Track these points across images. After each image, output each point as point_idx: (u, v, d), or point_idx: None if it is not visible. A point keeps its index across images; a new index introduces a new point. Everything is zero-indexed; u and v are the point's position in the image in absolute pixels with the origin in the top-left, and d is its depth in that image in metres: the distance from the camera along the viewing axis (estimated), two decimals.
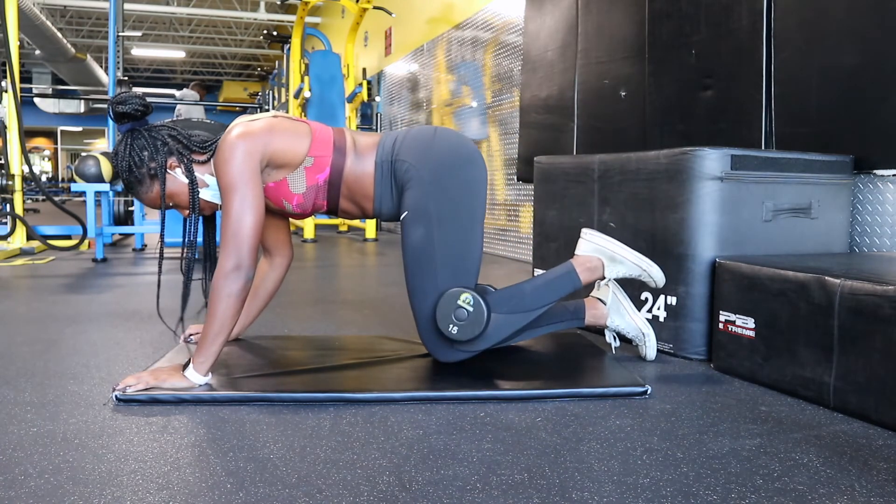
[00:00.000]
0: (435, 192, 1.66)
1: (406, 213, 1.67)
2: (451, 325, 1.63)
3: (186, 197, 1.66)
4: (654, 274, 1.79)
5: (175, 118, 2.45)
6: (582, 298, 1.93)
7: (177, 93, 8.78)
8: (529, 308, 1.73)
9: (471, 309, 1.62)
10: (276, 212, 1.80)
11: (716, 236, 1.88)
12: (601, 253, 1.80)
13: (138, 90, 19.09)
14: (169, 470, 1.14)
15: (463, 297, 1.62)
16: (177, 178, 1.64)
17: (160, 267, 1.69)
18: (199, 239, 1.77)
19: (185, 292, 1.71)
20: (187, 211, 1.68)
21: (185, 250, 1.70)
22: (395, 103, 7.56)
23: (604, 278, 1.82)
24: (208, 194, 1.67)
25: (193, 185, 1.63)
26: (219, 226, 1.74)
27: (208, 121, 1.72)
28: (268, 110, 8.78)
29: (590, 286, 1.91)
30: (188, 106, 7.55)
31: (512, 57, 4.61)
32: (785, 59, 2.37)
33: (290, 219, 2.00)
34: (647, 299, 2.03)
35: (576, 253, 1.84)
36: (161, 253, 1.69)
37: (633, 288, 2.03)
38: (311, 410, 1.45)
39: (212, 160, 1.65)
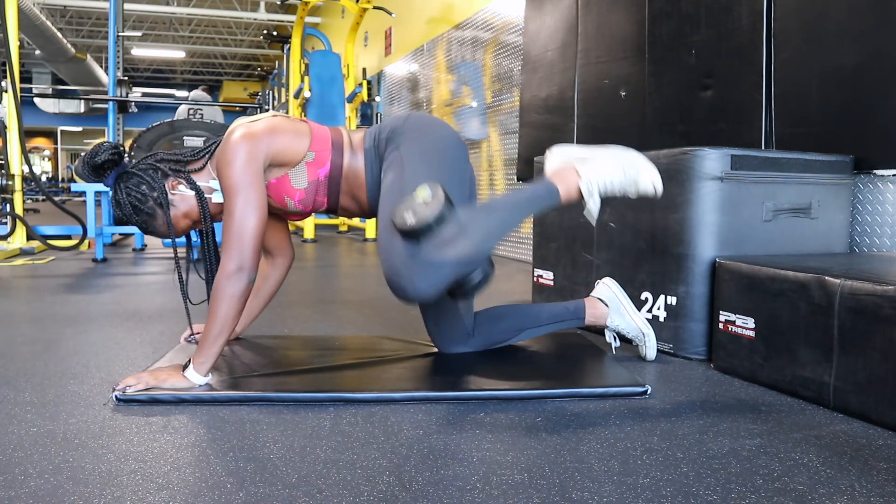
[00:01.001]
0: (407, 144, 1.62)
1: (382, 172, 1.64)
2: (407, 213, 1.41)
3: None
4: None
5: (187, 117, 2.44)
6: (582, 298, 1.93)
7: (189, 94, 8.80)
8: (504, 217, 1.57)
9: (428, 192, 1.42)
10: (276, 212, 1.80)
11: (716, 236, 1.88)
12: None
13: (138, 90, 19.11)
14: (169, 470, 1.14)
15: (418, 190, 1.44)
16: (184, 195, 1.62)
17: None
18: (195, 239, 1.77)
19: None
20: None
21: (197, 259, 1.70)
22: (396, 103, 7.56)
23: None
24: (219, 197, 1.65)
25: (200, 194, 1.62)
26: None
27: (207, 121, 1.72)
28: (267, 110, 8.78)
29: (589, 289, 1.92)
30: (208, 107, 7.58)
31: (512, 57, 4.61)
32: (785, 59, 2.37)
33: (290, 220, 2.00)
34: (647, 299, 2.03)
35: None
36: (190, 259, 1.71)
37: (632, 288, 2.04)
38: (311, 410, 1.45)
39: (209, 164, 1.65)
